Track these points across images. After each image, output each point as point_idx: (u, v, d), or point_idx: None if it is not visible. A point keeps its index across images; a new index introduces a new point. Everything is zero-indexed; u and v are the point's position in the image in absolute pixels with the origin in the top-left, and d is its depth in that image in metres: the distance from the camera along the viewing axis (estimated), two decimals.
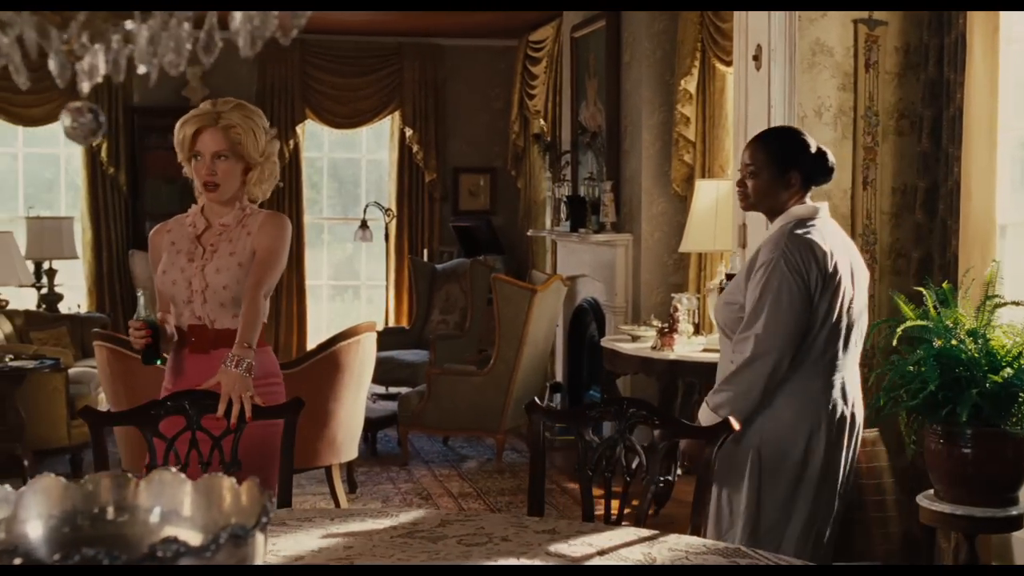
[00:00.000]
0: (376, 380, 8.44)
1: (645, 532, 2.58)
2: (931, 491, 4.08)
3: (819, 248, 3.14)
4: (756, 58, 4.67)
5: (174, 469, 1.71)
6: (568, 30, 8.45)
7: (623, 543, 2.48)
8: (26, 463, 6.03)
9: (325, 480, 5.77)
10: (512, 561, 2.34)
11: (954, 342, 3.88)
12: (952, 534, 4.25)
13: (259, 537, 1.49)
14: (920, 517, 4.09)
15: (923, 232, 4.63)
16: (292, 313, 10.38)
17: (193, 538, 1.58)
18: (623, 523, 2.78)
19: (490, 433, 6.83)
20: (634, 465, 2.79)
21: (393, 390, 8.72)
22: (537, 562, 2.33)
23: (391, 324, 10.26)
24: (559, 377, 8.47)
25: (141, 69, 1.47)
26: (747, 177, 3.26)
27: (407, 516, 2.71)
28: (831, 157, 3.29)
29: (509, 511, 5.75)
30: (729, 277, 3.63)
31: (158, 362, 3.29)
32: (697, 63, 6.53)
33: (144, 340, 3.22)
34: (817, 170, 3.26)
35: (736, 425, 2.73)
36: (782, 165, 3.22)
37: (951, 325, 3.94)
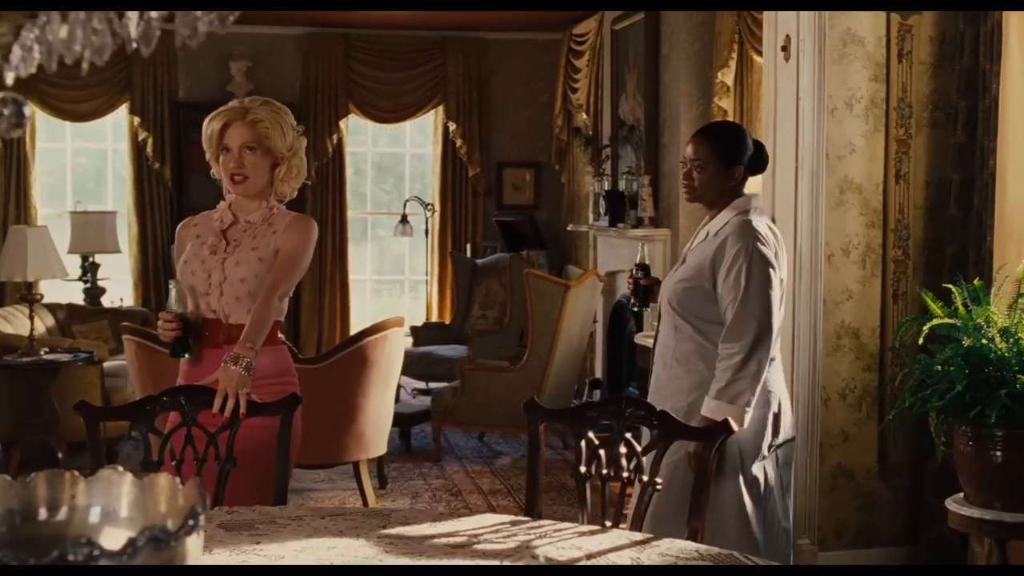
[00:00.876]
0: (415, 375, 8.45)
1: (638, 536, 2.51)
2: (961, 495, 3.95)
3: (771, 237, 3.41)
4: (784, 49, 4.55)
5: (120, 468, 1.68)
6: (609, 23, 8.36)
7: (613, 547, 2.41)
8: (60, 455, 6.08)
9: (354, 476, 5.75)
10: (495, 563, 2.28)
11: (984, 341, 3.75)
12: (985, 539, 4.12)
13: (187, 540, 1.44)
14: (949, 521, 3.96)
15: (957, 227, 4.49)
16: (335, 307, 10.40)
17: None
18: (620, 525, 2.71)
19: (523, 429, 6.74)
20: (632, 466, 2.72)
21: (433, 385, 8.69)
22: (520, 565, 2.27)
23: (434, 319, 10.25)
24: (598, 373, 8.39)
25: (67, 59, 1.42)
26: (694, 170, 3.45)
27: (399, 515, 2.67)
28: (767, 150, 3.58)
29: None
30: (641, 266, 3.62)
31: (186, 355, 3.28)
32: (734, 55, 6.42)
33: (174, 333, 3.22)
34: (757, 163, 3.51)
35: (736, 427, 2.65)
36: (726, 160, 3.42)
37: (982, 323, 3.81)
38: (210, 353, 3.27)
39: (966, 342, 3.77)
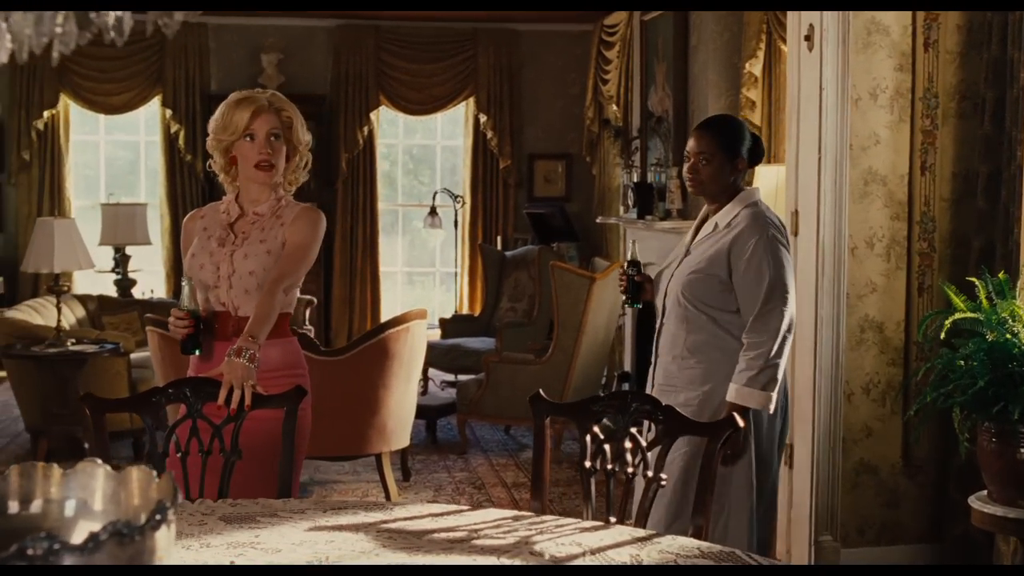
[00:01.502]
0: (443, 368, 8.45)
1: (640, 532, 2.47)
2: (985, 492, 3.87)
3: (782, 229, 3.49)
4: (808, 38, 4.48)
5: (99, 460, 1.66)
6: (639, 14, 8.29)
7: (614, 543, 2.37)
8: (87, 446, 6.12)
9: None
10: (492, 560, 2.25)
11: (1008, 336, 3.68)
12: (1010, 538, 4.04)
13: (155, 535, 1.42)
14: (972, 519, 3.89)
15: (984, 219, 4.40)
16: (366, 299, 10.41)
17: None
18: (626, 521, 2.68)
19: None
20: (636, 461, 2.69)
21: (462, 378, 8.68)
22: (518, 561, 2.24)
23: (465, 311, 10.24)
24: (627, 366, 8.34)
25: (36, 49, 1.41)
26: (699, 163, 3.48)
27: (403, 510, 2.65)
28: (763, 143, 3.64)
29: (560, 503, 5.66)
30: (632, 263, 3.59)
31: (196, 352, 3.27)
32: (762, 45, 6.34)
33: (186, 330, 3.20)
34: (756, 155, 3.55)
35: (741, 422, 2.61)
36: (729, 152, 3.48)
37: (1006, 317, 3.73)
38: (220, 346, 3.25)
39: (990, 337, 3.70)
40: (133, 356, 6.61)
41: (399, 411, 5.63)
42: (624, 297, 3.68)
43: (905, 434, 4.56)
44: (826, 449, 4.50)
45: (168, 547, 1.47)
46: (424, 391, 8.77)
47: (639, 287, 3.63)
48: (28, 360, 6.20)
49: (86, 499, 1.59)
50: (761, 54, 6.35)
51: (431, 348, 8.45)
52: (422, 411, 6.96)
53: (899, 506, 4.61)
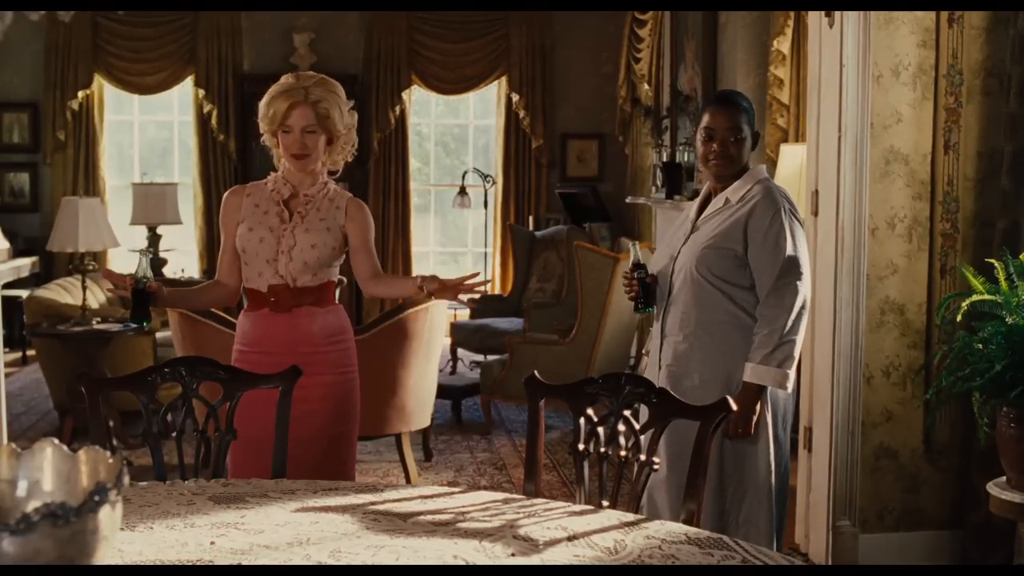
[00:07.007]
0: (472, 348, 8.44)
1: (629, 517, 2.43)
2: (1003, 478, 3.79)
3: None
4: (829, 14, 4.39)
5: (56, 440, 1.65)
6: None
7: (600, 528, 2.34)
8: (112, 424, 6.16)
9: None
10: (473, 543, 2.22)
11: None
12: None
13: (97, 517, 1.41)
14: (991, 506, 3.82)
15: (1009, 200, 4.29)
16: None
17: None
18: (618, 505, 2.64)
19: (572, 404, 6.69)
20: (630, 444, 2.65)
21: (490, 358, 8.66)
22: (499, 546, 2.21)
23: (496, 291, 10.21)
24: None
25: None
26: (729, 141, 3.36)
27: (394, 492, 2.63)
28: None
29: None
30: (638, 266, 3.41)
31: (144, 323, 3.45)
32: (791, 22, 6.23)
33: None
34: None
35: (734, 405, 2.56)
36: (753, 126, 3.41)
37: None
38: (277, 318, 3.41)
39: (1009, 320, 3.62)
40: (159, 335, 6.65)
41: (418, 391, 5.62)
42: (635, 304, 3.46)
43: (926, 418, 4.48)
44: (845, 433, 4.42)
45: (113, 527, 1.46)
46: (453, 371, 8.76)
47: (649, 289, 3.43)
48: (54, 339, 6.26)
49: (38, 479, 1.58)
50: (789, 31, 6.25)
51: (459, 328, 8.45)
52: (447, 391, 6.96)
53: (919, 491, 4.53)
